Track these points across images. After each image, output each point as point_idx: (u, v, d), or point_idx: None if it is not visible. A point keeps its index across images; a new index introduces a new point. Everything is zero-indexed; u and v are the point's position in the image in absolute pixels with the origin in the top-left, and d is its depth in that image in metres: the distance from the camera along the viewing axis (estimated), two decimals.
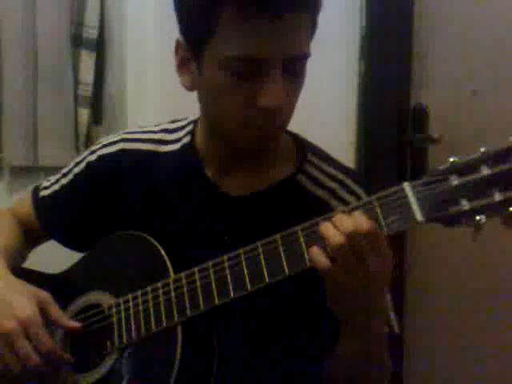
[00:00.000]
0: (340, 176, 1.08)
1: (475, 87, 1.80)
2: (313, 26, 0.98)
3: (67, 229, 1.21)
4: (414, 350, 1.90)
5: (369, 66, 1.80)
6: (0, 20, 1.92)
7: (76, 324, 1.05)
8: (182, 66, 1.02)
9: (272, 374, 1.04)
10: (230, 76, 0.94)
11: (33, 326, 1.00)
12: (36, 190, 1.25)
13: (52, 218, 1.22)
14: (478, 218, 0.79)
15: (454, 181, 0.81)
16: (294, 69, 0.95)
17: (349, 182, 1.07)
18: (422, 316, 1.89)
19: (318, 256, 0.86)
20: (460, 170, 0.81)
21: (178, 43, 1.01)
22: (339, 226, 0.85)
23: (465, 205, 0.80)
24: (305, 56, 0.96)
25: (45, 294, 1.05)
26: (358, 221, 0.84)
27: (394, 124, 1.82)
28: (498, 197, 0.78)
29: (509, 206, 0.77)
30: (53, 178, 1.24)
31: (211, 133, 1.07)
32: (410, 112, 1.83)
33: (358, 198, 1.05)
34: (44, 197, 1.22)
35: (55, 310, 1.04)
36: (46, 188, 1.23)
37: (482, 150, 0.80)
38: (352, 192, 1.06)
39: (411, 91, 1.83)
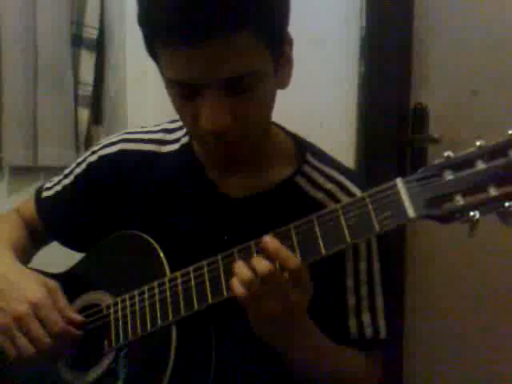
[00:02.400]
0: (338, 177, 1.08)
1: (475, 87, 1.80)
2: (266, 39, 0.92)
3: (68, 229, 1.21)
4: (413, 350, 1.90)
5: (369, 66, 1.79)
6: (0, 20, 1.92)
7: (78, 318, 1.05)
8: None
9: (270, 374, 1.04)
10: (176, 95, 0.96)
11: (44, 308, 1.01)
12: (39, 191, 1.26)
13: (53, 218, 1.23)
14: (472, 213, 0.77)
15: (449, 176, 0.79)
16: (238, 87, 0.92)
17: (347, 183, 1.07)
18: (422, 316, 1.89)
19: (234, 283, 0.88)
20: (455, 164, 0.79)
21: None
22: (252, 264, 0.87)
23: (459, 200, 0.78)
24: (246, 74, 0.91)
25: (53, 283, 1.06)
26: (256, 267, 0.86)
27: (393, 124, 1.82)
28: (493, 192, 0.76)
29: (504, 202, 0.75)
30: (55, 179, 1.24)
31: None
32: (410, 112, 1.83)
33: None
34: (46, 197, 1.23)
35: (63, 299, 1.05)
36: (48, 189, 1.24)
37: (478, 144, 0.79)
38: (350, 193, 1.06)
39: (411, 91, 1.83)
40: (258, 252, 0.90)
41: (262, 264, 0.86)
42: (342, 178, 1.08)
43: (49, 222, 1.24)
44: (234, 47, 0.89)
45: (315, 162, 1.09)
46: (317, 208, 1.03)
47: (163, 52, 0.93)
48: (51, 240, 1.27)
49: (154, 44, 0.94)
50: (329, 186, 1.07)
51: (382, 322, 1.06)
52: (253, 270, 0.86)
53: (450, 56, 1.81)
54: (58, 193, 1.22)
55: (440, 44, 1.82)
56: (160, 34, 0.92)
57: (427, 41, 1.82)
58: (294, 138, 1.12)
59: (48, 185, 1.25)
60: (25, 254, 1.21)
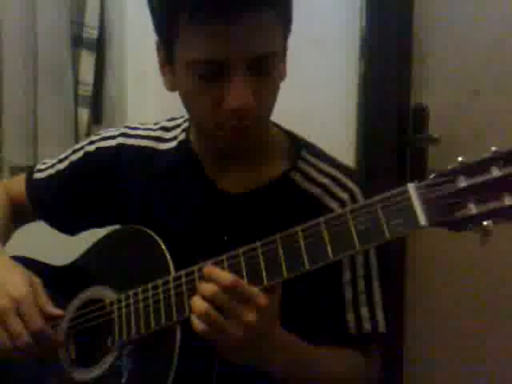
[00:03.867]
0: (333, 172, 1.07)
1: (475, 87, 1.79)
2: (284, 22, 0.96)
3: (56, 212, 1.23)
4: (413, 350, 1.90)
5: (369, 66, 1.79)
6: (0, 20, 1.92)
7: (57, 312, 1.05)
8: (162, 66, 1.03)
9: (272, 374, 1.04)
10: (196, 78, 0.94)
11: (25, 304, 1.01)
12: (30, 172, 1.26)
13: (43, 200, 1.24)
14: (485, 223, 0.74)
15: (462, 182, 0.76)
16: (259, 68, 0.93)
17: (341, 177, 1.07)
18: (422, 316, 1.89)
19: (193, 321, 0.88)
20: (469, 170, 0.76)
21: (157, 44, 1.02)
22: (201, 293, 0.88)
23: (472, 209, 0.74)
24: (271, 54, 0.94)
25: (36, 279, 1.06)
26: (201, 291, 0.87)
27: (393, 124, 1.82)
28: (508, 201, 0.73)
29: None
30: (48, 162, 1.25)
31: (197, 132, 1.09)
32: (410, 112, 1.83)
33: (351, 193, 1.05)
34: (38, 179, 1.24)
35: (44, 296, 1.05)
36: (40, 171, 1.25)
37: (494, 149, 0.75)
38: (345, 187, 1.05)
39: (411, 91, 1.83)
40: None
41: (205, 287, 0.88)
42: (337, 173, 1.07)
43: (37, 203, 1.24)
44: (262, 26, 0.91)
45: (310, 158, 1.09)
46: (313, 203, 1.04)
47: (189, 31, 0.92)
48: (34, 220, 1.28)
49: (178, 21, 0.92)
50: (324, 180, 1.06)
51: (380, 316, 1.05)
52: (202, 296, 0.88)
53: (450, 56, 1.81)
54: (50, 176, 1.22)
55: (440, 44, 1.82)
56: (190, 7, 0.90)
57: (427, 41, 1.82)
58: (290, 135, 1.12)
59: (41, 167, 1.25)
60: (6, 233, 1.22)
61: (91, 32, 1.93)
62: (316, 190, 1.06)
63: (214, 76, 0.93)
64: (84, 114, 1.96)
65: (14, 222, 1.27)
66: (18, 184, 1.26)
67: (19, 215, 1.26)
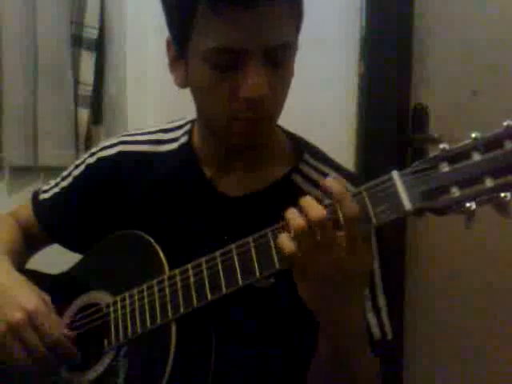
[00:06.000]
0: (333, 175, 1.07)
1: (475, 87, 1.80)
2: (297, 14, 0.97)
3: (67, 230, 1.21)
4: (413, 350, 1.90)
5: (369, 66, 1.80)
6: (0, 20, 1.92)
7: (69, 333, 1.05)
8: (173, 63, 1.03)
9: (270, 374, 1.04)
10: (212, 69, 0.94)
11: (40, 317, 1.00)
12: (36, 194, 1.26)
13: (52, 219, 1.23)
14: (468, 205, 0.76)
15: (445, 168, 0.79)
16: (275, 59, 0.94)
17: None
18: (422, 316, 1.89)
19: (283, 240, 0.84)
20: (451, 157, 0.79)
21: (168, 41, 1.03)
22: (304, 211, 0.83)
23: (455, 192, 0.77)
24: (285, 45, 0.95)
25: (46, 295, 1.06)
26: (317, 210, 0.82)
27: (393, 124, 1.82)
28: (489, 183, 0.76)
29: (500, 192, 0.75)
30: (52, 182, 1.25)
31: (205, 130, 1.08)
32: (409, 112, 1.83)
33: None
34: (44, 199, 1.23)
35: (54, 313, 1.04)
36: (45, 191, 1.24)
37: (474, 135, 0.79)
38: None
39: (411, 91, 1.83)
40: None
41: (316, 209, 0.82)
42: (337, 176, 1.07)
43: (47, 224, 1.23)
44: (281, 15, 0.92)
45: (312, 161, 1.09)
46: None
47: (206, 20, 0.92)
48: (47, 244, 1.27)
49: (195, 13, 0.93)
50: None
51: (387, 322, 1.05)
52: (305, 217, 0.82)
53: (450, 56, 1.81)
54: (56, 195, 1.22)
55: (440, 44, 1.82)
56: None
57: (427, 41, 1.82)
58: (291, 136, 1.12)
59: (45, 187, 1.25)
60: (20, 260, 1.20)
61: (91, 32, 1.93)
62: (317, 193, 1.06)
63: (229, 66, 0.93)
64: (84, 114, 1.96)
65: (27, 250, 1.25)
66: (25, 210, 1.25)
67: (31, 242, 1.25)
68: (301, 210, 0.84)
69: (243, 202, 1.06)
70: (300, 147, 1.11)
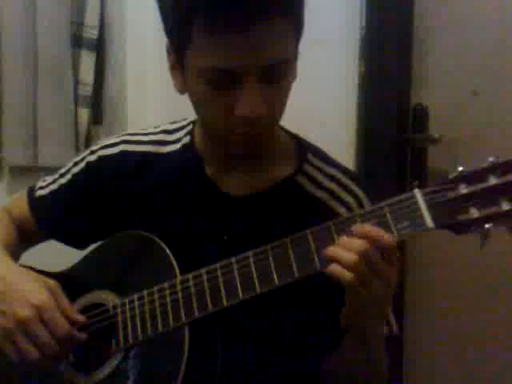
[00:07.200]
0: (340, 177, 1.08)
1: (475, 87, 1.80)
2: (296, 27, 0.95)
3: (66, 227, 1.20)
4: (414, 350, 1.90)
5: (369, 66, 1.80)
6: (0, 20, 1.92)
7: (81, 319, 1.03)
8: (173, 69, 1.02)
9: (276, 375, 1.04)
10: (207, 86, 0.94)
11: (48, 311, 0.99)
12: (31, 191, 1.24)
13: (51, 217, 1.21)
14: (487, 226, 0.81)
15: (463, 189, 0.83)
16: (272, 75, 0.93)
17: (348, 182, 1.07)
18: (421, 316, 1.89)
19: (337, 269, 0.86)
20: (468, 178, 0.83)
21: (167, 46, 1.02)
22: (349, 247, 0.85)
23: (474, 213, 0.82)
24: (282, 62, 0.93)
25: (53, 283, 1.04)
26: (354, 247, 0.85)
27: (393, 124, 1.82)
28: (505, 206, 0.80)
29: None
30: (49, 179, 1.23)
31: (206, 134, 1.08)
32: (410, 112, 1.83)
33: (357, 198, 1.06)
34: (41, 196, 1.22)
35: (64, 299, 1.03)
36: (42, 188, 1.22)
37: (491, 159, 0.83)
38: (351, 192, 1.06)
39: (411, 91, 1.83)
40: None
41: (358, 243, 0.85)
42: (343, 178, 1.08)
43: (44, 221, 1.22)
44: (275, 35, 0.91)
45: (316, 162, 1.09)
46: (318, 207, 1.04)
47: (201, 40, 0.91)
48: (42, 240, 1.26)
49: (191, 31, 0.92)
50: (329, 184, 1.07)
51: (392, 318, 1.06)
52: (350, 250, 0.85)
53: (450, 56, 1.81)
54: (53, 192, 1.21)
55: (440, 44, 1.82)
56: (203, 17, 0.89)
57: (427, 41, 1.82)
58: (295, 137, 1.12)
59: (41, 184, 1.23)
60: (14, 255, 1.19)
61: (91, 32, 1.93)
62: (322, 194, 1.06)
63: (226, 84, 0.92)
64: (84, 114, 1.96)
65: (21, 245, 1.24)
66: (20, 205, 1.24)
67: (24, 238, 1.24)
68: (345, 246, 0.86)
69: (246, 202, 1.06)
70: (303, 148, 1.11)
